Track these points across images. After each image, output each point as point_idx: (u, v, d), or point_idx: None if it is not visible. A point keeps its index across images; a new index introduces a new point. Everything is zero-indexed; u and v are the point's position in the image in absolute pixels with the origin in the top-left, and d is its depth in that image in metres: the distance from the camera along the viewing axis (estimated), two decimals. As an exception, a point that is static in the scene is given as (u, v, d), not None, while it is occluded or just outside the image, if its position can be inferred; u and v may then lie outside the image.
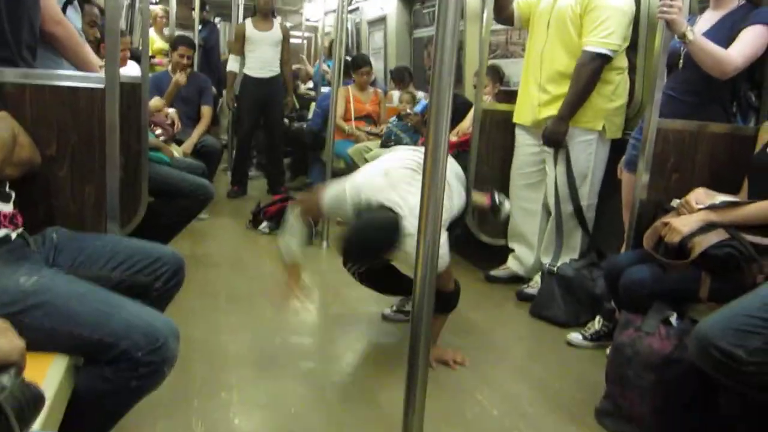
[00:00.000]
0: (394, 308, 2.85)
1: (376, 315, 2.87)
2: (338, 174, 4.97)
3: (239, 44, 5.28)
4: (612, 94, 2.96)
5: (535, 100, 3.11)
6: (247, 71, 5.27)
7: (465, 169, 3.42)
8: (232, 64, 5.38)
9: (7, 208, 1.48)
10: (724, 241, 1.91)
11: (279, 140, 5.44)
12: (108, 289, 1.47)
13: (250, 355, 2.44)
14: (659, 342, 1.91)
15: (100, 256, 1.59)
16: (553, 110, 3.02)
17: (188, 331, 2.49)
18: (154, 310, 1.45)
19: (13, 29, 1.72)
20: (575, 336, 2.71)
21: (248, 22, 5.28)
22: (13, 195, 1.51)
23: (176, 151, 3.76)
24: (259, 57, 5.19)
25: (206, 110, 4.70)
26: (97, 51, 2.91)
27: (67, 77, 1.75)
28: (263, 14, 5.19)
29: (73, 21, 2.23)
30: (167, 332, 1.38)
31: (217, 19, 7.76)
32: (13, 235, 1.47)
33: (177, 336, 1.43)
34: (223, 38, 8.24)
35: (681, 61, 2.37)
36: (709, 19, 2.41)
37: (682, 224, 1.98)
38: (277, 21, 5.35)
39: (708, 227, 1.95)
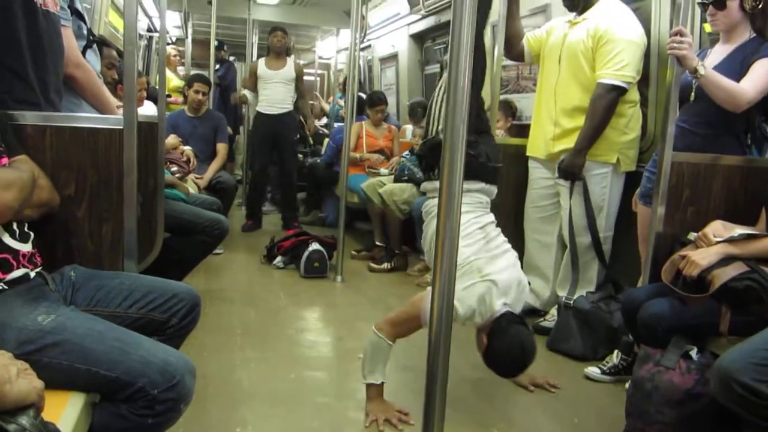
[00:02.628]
0: None
1: (394, 351, 2.85)
2: (352, 209, 5.02)
3: (251, 81, 5.44)
4: (625, 127, 2.97)
5: (549, 133, 3.12)
6: (259, 108, 5.38)
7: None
8: (247, 93, 5.54)
9: (26, 247, 1.50)
10: (743, 274, 1.89)
11: (292, 176, 5.49)
12: (125, 326, 1.48)
13: (265, 391, 2.43)
14: (680, 377, 1.88)
15: (117, 294, 1.60)
16: (567, 143, 3.03)
17: (203, 367, 2.49)
18: (170, 348, 1.46)
19: (38, 73, 1.76)
20: (593, 370, 2.67)
21: (261, 61, 5.41)
22: (32, 235, 1.54)
23: (192, 188, 3.80)
24: (271, 95, 5.30)
25: (221, 147, 4.79)
26: (115, 92, 2.97)
27: (86, 119, 1.78)
28: (276, 53, 5.30)
29: (92, 64, 2.28)
30: (183, 369, 1.39)
31: (232, 58, 7.92)
32: (32, 274, 1.49)
33: (193, 373, 1.43)
34: (239, 77, 8.40)
35: (693, 93, 2.38)
36: (720, 52, 2.43)
37: (700, 257, 1.96)
38: (291, 59, 5.45)
39: (727, 260, 1.94)
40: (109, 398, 1.36)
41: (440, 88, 2.44)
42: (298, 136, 5.90)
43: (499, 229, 2.41)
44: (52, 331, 1.34)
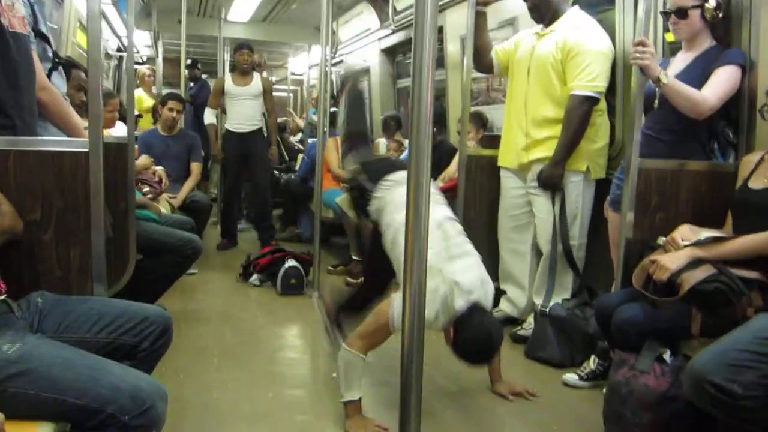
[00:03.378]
0: None
1: (369, 366, 2.83)
2: (327, 224, 5.01)
3: (216, 98, 5.36)
4: (594, 136, 3.01)
5: (520, 144, 3.15)
6: (228, 126, 5.31)
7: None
8: (209, 117, 5.42)
9: (-10, 274, 1.47)
10: (711, 276, 1.91)
11: (265, 193, 5.41)
12: (94, 352, 1.46)
13: (244, 411, 2.40)
14: (654, 380, 1.90)
15: (86, 319, 1.57)
16: (538, 153, 3.06)
17: (179, 390, 2.46)
18: (140, 373, 1.44)
19: (12, 97, 1.74)
20: (571, 376, 2.69)
21: (228, 77, 5.34)
22: (-3, 262, 1.51)
23: (165, 207, 3.77)
24: (240, 111, 5.23)
25: (195, 166, 4.75)
26: (85, 114, 2.94)
27: (50, 142, 1.76)
28: (242, 70, 5.25)
29: (58, 86, 2.25)
30: (154, 394, 1.37)
31: (204, 76, 7.90)
32: (-4, 302, 1.46)
33: (165, 398, 1.41)
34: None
35: (657, 101, 2.42)
36: (682, 60, 2.48)
37: (669, 261, 1.99)
38: (258, 75, 5.41)
39: (695, 263, 1.96)
40: (80, 427, 1.33)
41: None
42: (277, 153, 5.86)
43: (459, 227, 2.41)
44: (18, 360, 1.31)
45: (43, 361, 1.33)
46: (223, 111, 5.44)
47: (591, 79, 2.88)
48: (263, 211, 5.44)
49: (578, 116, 2.92)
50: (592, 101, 2.91)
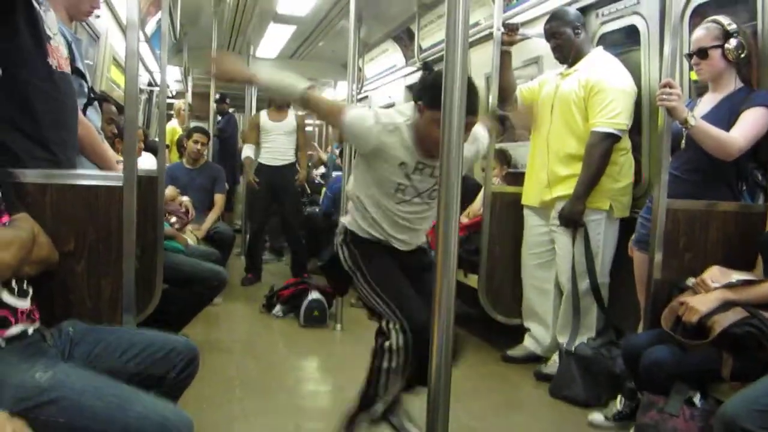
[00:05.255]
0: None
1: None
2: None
3: (254, 134, 5.43)
4: (618, 174, 3.01)
5: (543, 181, 3.16)
6: (261, 160, 5.39)
7: (477, 250, 3.46)
8: (247, 151, 5.51)
9: (25, 304, 1.50)
10: (743, 320, 1.89)
11: (297, 224, 5.48)
12: (123, 381, 1.47)
13: (265, 444, 2.39)
14: (683, 424, 1.87)
15: (116, 348, 1.59)
16: (560, 191, 3.07)
17: (202, 420, 2.45)
18: (167, 403, 1.45)
19: (58, 135, 1.81)
20: (597, 417, 2.64)
21: (263, 113, 5.45)
22: (31, 291, 1.54)
23: (190, 239, 3.82)
24: (273, 146, 5.33)
25: (219, 198, 4.81)
26: (114, 146, 3.01)
27: (86, 176, 1.81)
28: (277, 105, 5.36)
29: (93, 121, 2.33)
30: (181, 425, 1.37)
31: (231, 110, 8.06)
32: (30, 330, 1.49)
33: (191, 428, 1.41)
34: (239, 128, 8.53)
35: (683, 141, 2.42)
36: (708, 101, 2.48)
37: (699, 303, 1.97)
38: (292, 111, 5.51)
39: (726, 306, 1.94)
40: (107, 457, 1.34)
41: None
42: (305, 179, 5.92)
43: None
44: (50, 388, 1.33)
45: (75, 389, 1.34)
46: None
47: (612, 117, 2.89)
48: (296, 241, 5.47)
49: (599, 153, 2.92)
50: (613, 138, 2.92)
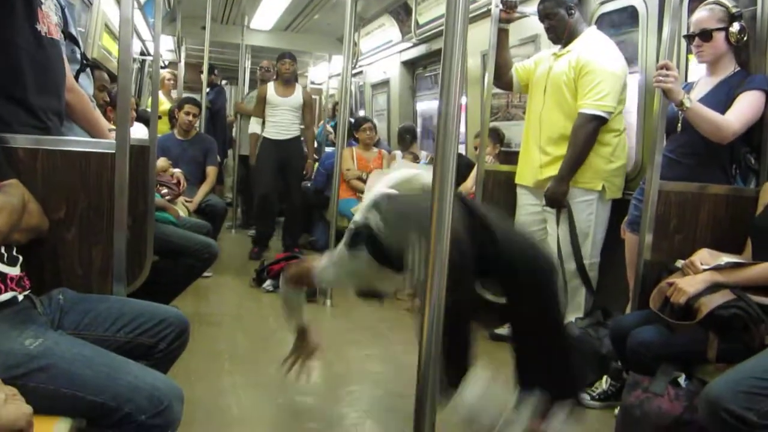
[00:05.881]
0: None
1: (380, 374, 2.83)
2: (342, 233, 5.00)
3: (261, 107, 5.35)
4: (611, 156, 3.01)
5: (536, 161, 3.17)
6: (266, 134, 5.33)
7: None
8: (254, 127, 5.47)
9: (15, 271, 1.49)
10: (730, 302, 1.90)
11: (297, 203, 5.45)
12: (112, 350, 1.47)
13: (254, 416, 2.41)
14: (668, 403, 1.89)
15: (106, 318, 1.59)
16: (553, 171, 3.07)
17: (191, 392, 2.46)
18: (158, 373, 1.45)
19: (42, 100, 1.77)
20: (583, 396, 2.66)
21: (270, 85, 5.37)
22: (21, 258, 1.53)
23: (182, 211, 3.80)
24: (279, 121, 5.27)
25: (211, 170, 4.79)
26: (105, 114, 2.98)
27: (78, 143, 1.78)
28: (285, 80, 5.29)
29: (85, 88, 2.29)
30: (171, 395, 1.37)
31: (223, 82, 7.97)
32: (20, 297, 1.48)
33: (181, 399, 1.42)
34: (230, 101, 8.44)
35: (680, 124, 2.42)
36: (706, 84, 2.48)
37: (687, 285, 1.98)
38: (299, 86, 5.45)
39: (714, 288, 1.95)
40: (96, 424, 1.34)
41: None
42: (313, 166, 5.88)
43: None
44: (39, 355, 1.32)
45: (64, 357, 1.34)
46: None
47: (599, 98, 2.89)
48: (293, 220, 5.45)
49: (584, 134, 2.93)
50: (599, 120, 2.92)
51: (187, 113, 4.71)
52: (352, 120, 5.79)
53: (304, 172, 5.55)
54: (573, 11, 3.07)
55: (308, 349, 2.40)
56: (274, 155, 5.27)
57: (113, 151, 1.74)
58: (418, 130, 6.30)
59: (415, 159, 5.15)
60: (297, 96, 5.32)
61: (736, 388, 1.55)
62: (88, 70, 2.55)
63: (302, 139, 5.52)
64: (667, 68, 2.23)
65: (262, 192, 5.40)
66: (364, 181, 4.97)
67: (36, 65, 1.75)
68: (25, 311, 1.47)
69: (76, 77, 2.27)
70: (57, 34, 1.87)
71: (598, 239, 3.10)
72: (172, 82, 6.83)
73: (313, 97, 6.22)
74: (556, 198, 3.01)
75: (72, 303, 1.61)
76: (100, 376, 1.33)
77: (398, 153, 5.55)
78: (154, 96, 2.58)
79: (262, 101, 5.35)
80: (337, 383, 2.87)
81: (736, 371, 1.63)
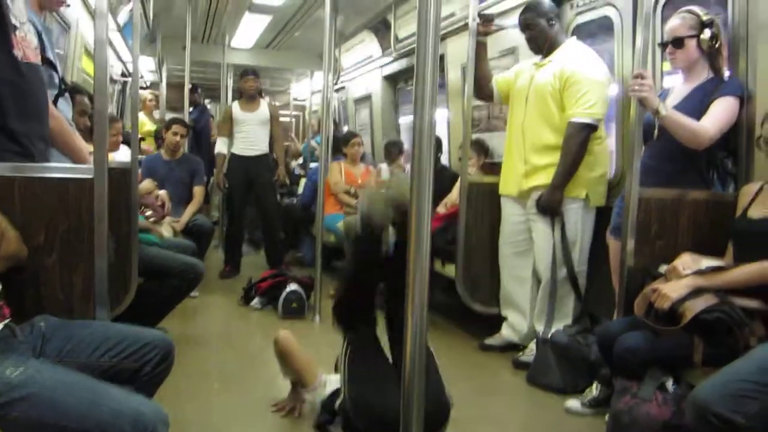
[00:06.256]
0: None
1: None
2: (329, 248, 5.01)
3: (227, 126, 5.37)
4: (593, 164, 3.04)
5: (520, 171, 3.18)
6: (234, 150, 5.33)
7: (454, 240, 3.47)
8: (221, 146, 5.44)
9: (-6, 299, 1.48)
10: (713, 306, 1.92)
11: (274, 216, 5.44)
12: (96, 376, 1.46)
13: (244, 436, 2.38)
14: (656, 408, 1.90)
15: (89, 343, 1.57)
16: (537, 181, 3.09)
17: (179, 413, 2.44)
18: (142, 397, 1.44)
19: (24, 125, 1.77)
20: (573, 403, 2.67)
21: (235, 104, 5.38)
22: (0, 286, 1.52)
23: (166, 231, 3.78)
24: (246, 137, 5.27)
25: (198, 190, 4.77)
26: (90, 138, 2.95)
27: (56, 169, 1.78)
28: (249, 96, 5.30)
29: (64, 112, 2.28)
30: (156, 419, 1.37)
31: (207, 101, 7.96)
32: (0, 326, 1.47)
33: (166, 423, 1.40)
34: (214, 119, 8.44)
35: (656, 131, 2.45)
36: (681, 91, 2.52)
37: (671, 290, 2.00)
38: (265, 101, 5.45)
39: (697, 292, 1.97)
40: (80, 452, 1.33)
41: None
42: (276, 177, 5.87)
43: None
44: (21, 384, 1.31)
45: (46, 385, 1.33)
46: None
47: (589, 107, 2.92)
48: (273, 235, 5.44)
49: (577, 143, 2.95)
50: (590, 128, 2.95)
51: (175, 133, 4.70)
52: (339, 135, 5.81)
53: (275, 179, 5.53)
54: (553, 22, 3.11)
55: (300, 399, 2.54)
56: (242, 172, 5.27)
57: (91, 177, 1.74)
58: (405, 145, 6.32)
59: (402, 172, 5.15)
60: (263, 110, 5.31)
61: (723, 392, 1.56)
62: (67, 94, 2.54)
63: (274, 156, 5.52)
64: (642, 77, 2.26)
65: (232, 214, 5.46)
66: (352, 195, 4.98)
67: (15, 91, 1.75)
68: (5, 340, 1.45)
69: (55, 102, 2.26)
70: (36, 58, 1.87)
71: (585, 247, 3.12)
72: (153, 102, 6.81)
73: (296, 113, 6.21)
74: (551, 206, 3.03)
75: (54, 329, 1.60)
76: (83, 404, 1.32)
77: (384, 166, 5.56)
78: (133, 117, 2.57)
79: (228, 120, 5.36)
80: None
81: (722, 374, 1.64)
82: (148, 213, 3.57)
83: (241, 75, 5.42)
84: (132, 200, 2.11)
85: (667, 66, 2.74)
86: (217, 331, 3.81)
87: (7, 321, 1.50)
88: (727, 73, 2.52)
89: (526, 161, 3.15)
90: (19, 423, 1.25)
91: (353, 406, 2.04)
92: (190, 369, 2.95)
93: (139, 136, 5.29)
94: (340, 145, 5.40)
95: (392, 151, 5.51)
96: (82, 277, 1.77)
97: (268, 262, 5.33)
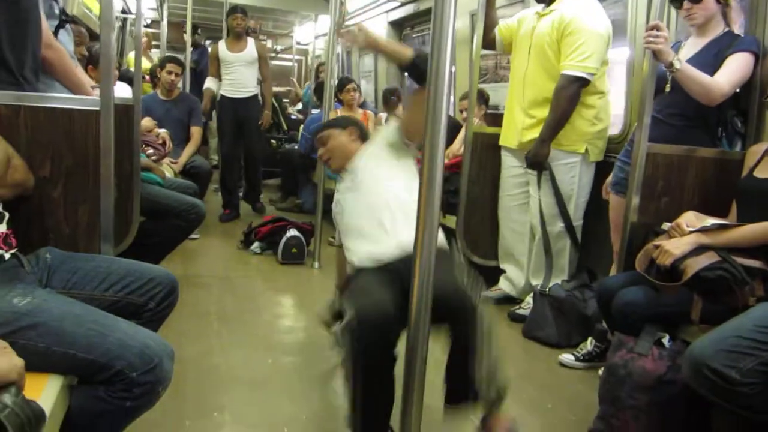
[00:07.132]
0: None
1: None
2: (330, 195, 4.98)
3: (214, 66, 5.26)
4: (594, 118, 3.00)
5: (520, 123, 3.14)
6: (223, 92, 5.24)
7: (457, 190, 3.47)
8: (209, 83, 5.35)
9: (1, 228, 1.47)
10: (715, 264, 1.93)
11: (257, 157, 5.44)
12: (102, 309, 1.47)
13: (242, 376, 2.42)
14: (652, 363, 1.92)
15: (94, 276, 1.58)
16: (537, 133, 3.04)
17: (180, 352, 2.44)
18: (148, 330, 1.45)
19: (14, 53, 1.72)
20: (567, 357, 2.72)
21: (221, 43, 5.26)
22: (7, 215, 1.51)
23: (168, 171, 3.75)
24: (234, 78, 5.17)
25: (195, 131, 4.71)
26: (85, 69, 2.90)
27: (61, 99, 1.75)
28: (235, 35, 5.17)
29: (64, 44, 2.23)
30: (162, 352, 1.38)
31: (207, 42, 7.79)
32: (7, 256, 1.47)
33: (171, 356, 1.42)
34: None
35: (668, 85, 2.41)
36: (694, 45, 2.46)
37: (673, 246, 2.00)
38: (252, 40, 5.32)
39: (699, 250, 1.97)
40: (87, 381, 1.35)
41: None
42: (272, 121, 5.79)
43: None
44: (28, 313, 1.32)
45: (54, 315, 1.34)
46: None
47: (582, 60, 2.85)
48: (254, 176, 5.44)
49: (566, 96, 2.90)
50: (581, 82, 2.88)
51: (170, 72, 4.60)
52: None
53: (260, 123, 5.46)
54: None
55: None
56: (232, 114, 5.20)
57: (98, 109, 1.71)
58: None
59: (401, 120, 5.10)
60: (250, 50, 5.19)
61: (719, 347, 1.59)
62: (68, 26, 2.48)
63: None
64: (658, 29, 2.21)
65: (224, 151, 5.41)
66: None
67: (9, 20, 1.70)
68: (13, 269, 1.46)
69: (56, 33, 2.21)
70: None
71: (581, 202, 3.11)
72: (146, 40, 6.64)
73: (299, 58, 6.10)
74: (538, 160, 3.00)
75: (59, 262, 1.60)
76: (90, 334, 1.33)
77: (384, 115, 5.50)
78: (137, 55, 2.53)
79: (214, 60, 5.25)
80: (325, 343, 2.89)
81: (720, 331, 1.66)
82: (150, 151, 3.53)
83: (227, 13, 5.26)
84: (134, 137, 2.08)
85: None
86: (217, 273, 3.84)
87: (14, 251, 1.50)
88: (740, 30, 2.47)
89: (526, 113, 3.10)
90: (28, 351, 1.25)
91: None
92: (190, 310, 2.99)
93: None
94: (336, 91, 5.32)
95: (390, 99, 5.43)
96: (87, 211, 1.76)
97: (246, 199, 5.37)
